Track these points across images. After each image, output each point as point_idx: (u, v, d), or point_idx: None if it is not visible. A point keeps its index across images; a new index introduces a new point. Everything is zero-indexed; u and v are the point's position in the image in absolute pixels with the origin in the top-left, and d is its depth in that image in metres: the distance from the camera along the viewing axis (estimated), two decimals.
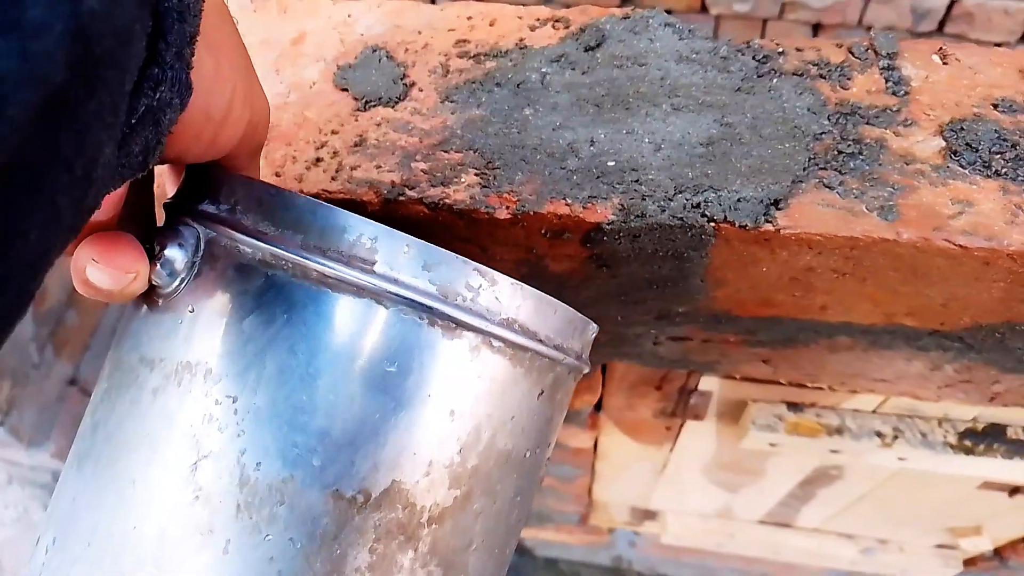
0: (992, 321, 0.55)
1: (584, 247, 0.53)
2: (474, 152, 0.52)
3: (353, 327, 0.35)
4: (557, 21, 0.57)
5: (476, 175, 0.51)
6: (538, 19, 0.58)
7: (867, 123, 0.52)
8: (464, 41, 0.57)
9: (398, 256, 0.35)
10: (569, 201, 0.50)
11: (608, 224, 0.49)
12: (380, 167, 0.52)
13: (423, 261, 0.35)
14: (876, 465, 0.87)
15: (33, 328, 1.83)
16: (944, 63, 0.56)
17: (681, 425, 0.90)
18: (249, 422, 0.34)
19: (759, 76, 0.54)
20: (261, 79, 0.57)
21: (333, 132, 0.54)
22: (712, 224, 0.49)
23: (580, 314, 0.44)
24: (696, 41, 0.56)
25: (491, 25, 0.58)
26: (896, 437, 0.77)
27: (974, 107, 0.53)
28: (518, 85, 0.54)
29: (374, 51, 0.58)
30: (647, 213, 0.49)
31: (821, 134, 0.51)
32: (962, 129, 0.51)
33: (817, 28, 2.21)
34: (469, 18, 0.59)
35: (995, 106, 0.53)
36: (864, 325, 0.58)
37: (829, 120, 0.52)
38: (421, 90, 0.56)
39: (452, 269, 0.36)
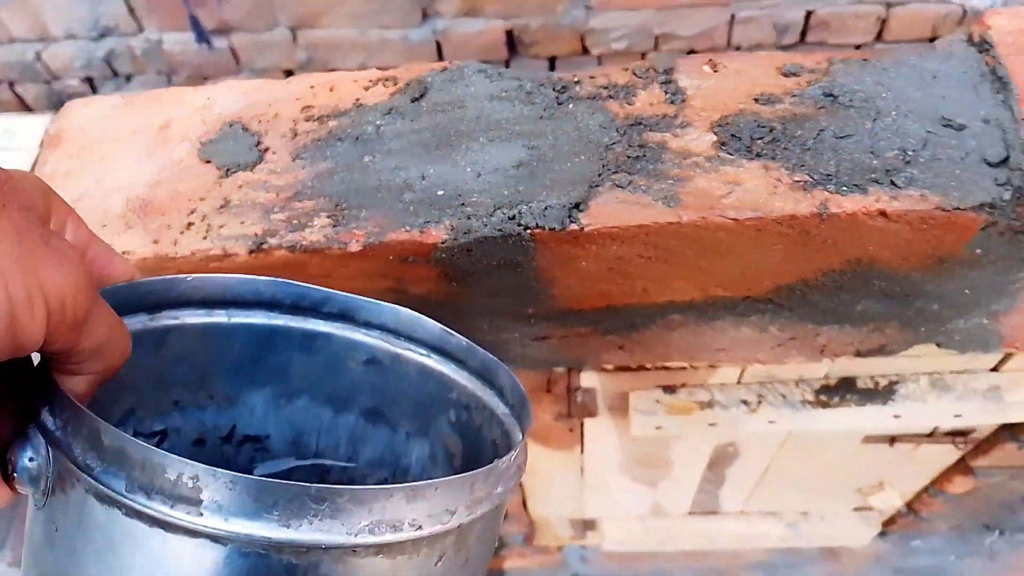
0: (788, 281, 0.65)
1: (432, 267, 0.61)
2: (324, 199, 0.61)
3: (195, 566, 0.34)
4: (387, 80, 0.67)
5: (328, 217, 0.60)
6: (371, 80, 0.67)
7: (650, 130, 0.62)
8: (309, 107, 0.66)
9: (224, 492, 0.33)
10: (408, 228, 0.58)
11: (443, 243, 0.58)
12: (244, 222, 0.60)
13: (254, 494, 0.34)
14: (761, 433, 0.96)
15: None
16: (715, 71, 0.66)
17: (581, 425, 0.98)
18: None
19: (559, 104, 0.64)
20: (135, 164, 0.66)
21: (201, 199, 0.62)
22: (528, 231, 0.57)
23: (480, 468, 0.41)
24: (505, 81, 0.65)
25: (331, 90, 0.67)
26: (760, 402, 0.86)
27: (739, 104, 0.63)
28: (357, 138, 0.63)
29: (231, 126, 0.66)
30: (472, 229, 0.58)
31: (612, 144, 0.61)
32: (728, 123, 0.62)
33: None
34: (312, 87, 0.68)
35: (756, 100, 0.63)
36: (686, 301, 0.67)
37: (618, 132, 0.62)
38: (275, 153, 0.64)
39: (289, 498, 0.34)
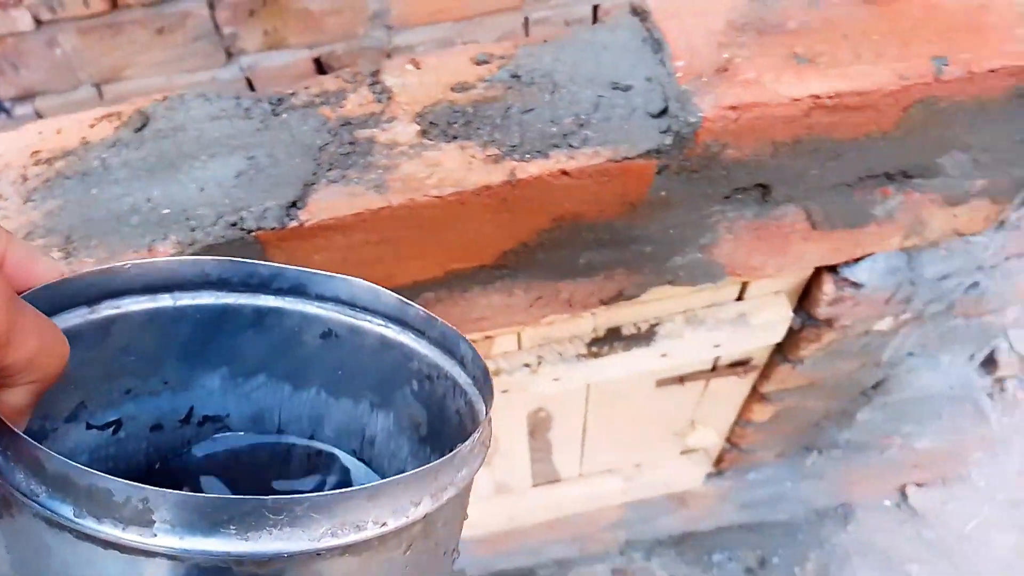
0: (509, 246, 0.73)
1: None
2: (56, 235, 0.64)
3: None
4: (111, 116, 0.70)
5: (60, 251, 0.63)
6: (96, 118, 0.70)
7: (359, 128, 0.68)
8: (38, 151, 0.69)
9: (176, 512, 0.33)
10: (136, 249, 0.62)
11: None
12: None
13: (207, 512, 0.33)
14: (555, 393, 1.04)
15: None
16: (417, 68, 0.73)
17: None
18: None
19: (275, 115, 0.69)
20: None
21: None
22: (251, 234, 0.62)
23: (445, 438, 0.43)
24: (224, 102, 0.70)
25: (58, 133, 0.70)
26: (540, 363, 0.94)
27: (439, 95, 0.70)
28: (84, 173, 0.66)
29: None
30: (197, 240, 0.62)
31: (325, 145, 0.67)
32: (428, 113, 0.69)
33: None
34: (40, 132, 0.70)
35: (453, 89, 0.71)
36: (430, 279, 0.74)
37: (330, 133, 0.68)
38: (6, 199, 0.66)
39: (245, 512, 0.33)
